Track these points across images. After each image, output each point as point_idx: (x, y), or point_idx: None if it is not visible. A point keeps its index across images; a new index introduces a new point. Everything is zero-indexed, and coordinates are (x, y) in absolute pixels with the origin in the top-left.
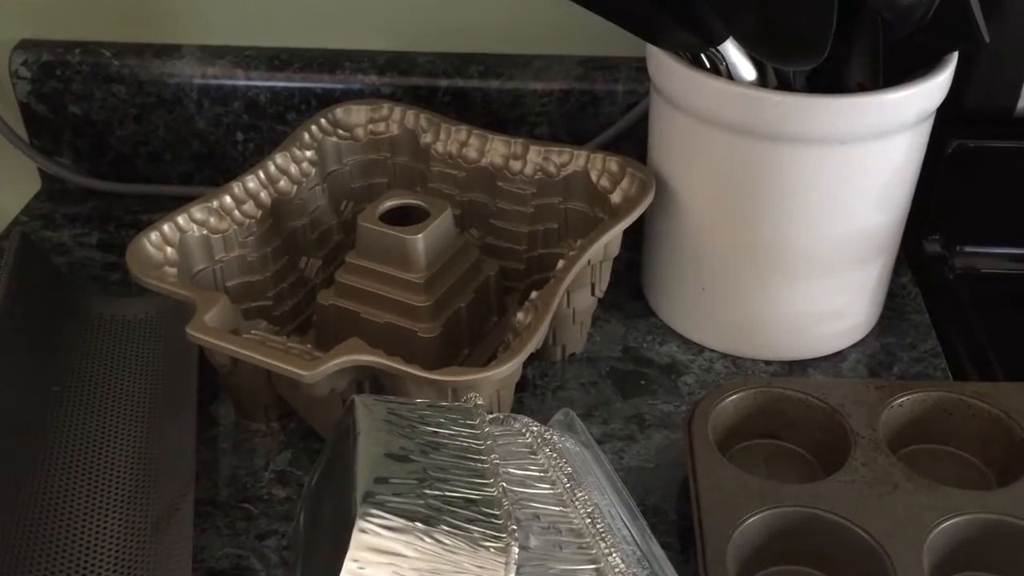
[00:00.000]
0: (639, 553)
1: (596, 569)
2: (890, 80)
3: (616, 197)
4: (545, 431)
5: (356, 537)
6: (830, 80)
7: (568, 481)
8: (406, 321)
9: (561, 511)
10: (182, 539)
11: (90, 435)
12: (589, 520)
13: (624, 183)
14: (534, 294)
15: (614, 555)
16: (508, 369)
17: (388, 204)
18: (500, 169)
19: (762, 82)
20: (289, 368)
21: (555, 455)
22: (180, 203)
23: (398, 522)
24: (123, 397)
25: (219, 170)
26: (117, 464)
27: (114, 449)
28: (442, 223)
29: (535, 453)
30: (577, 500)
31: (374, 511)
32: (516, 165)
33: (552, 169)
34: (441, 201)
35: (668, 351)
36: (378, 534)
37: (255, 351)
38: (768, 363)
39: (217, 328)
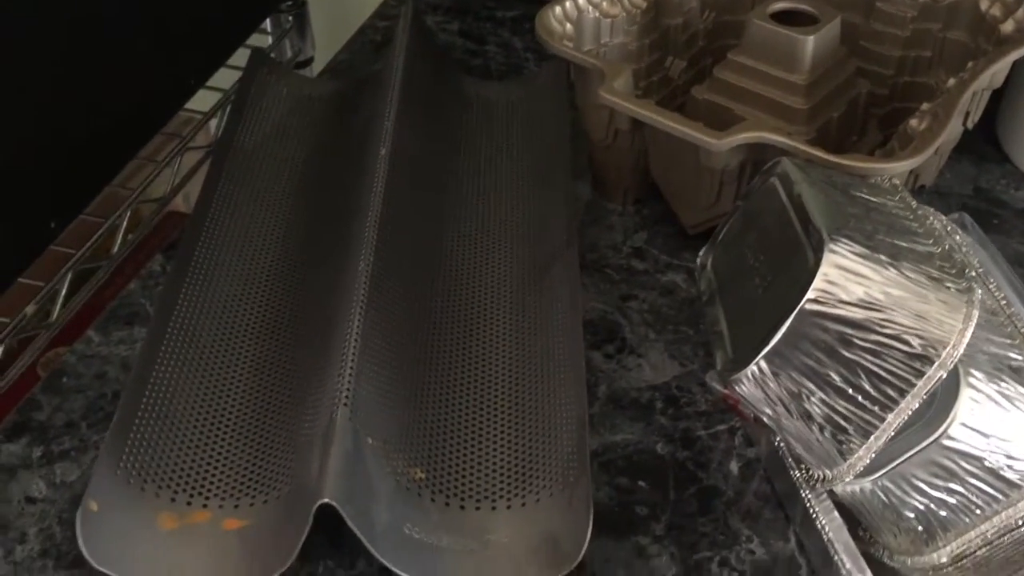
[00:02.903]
0: None
1: (1013, 345)
2: None
3: (1008, 27)
4: (948, 224)
5: (828, 257)
6: None
7: (980, 266)
8: (781, 122)
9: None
10: (569, 283)
11: (481, 193)
12: (1005, 302)
13: (1020, 13)
14: (925, 105)
15: None
16: (909, 164)
17: (778, 6)
18: None
19: None
20: (699, 135)
21: (963, 243)
22: (531, 6)
23: (865, 251)
24: (503, 166)
25: None
26: (508, 220)
27: (502, 206)
28: (831, 29)
29: (944, 238)
30: (990, 284)
31: (842, 239)
32: None
33: None
34: (831, 9)
35: None
36: (847, 256)
37: (665, 116)
38: None
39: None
